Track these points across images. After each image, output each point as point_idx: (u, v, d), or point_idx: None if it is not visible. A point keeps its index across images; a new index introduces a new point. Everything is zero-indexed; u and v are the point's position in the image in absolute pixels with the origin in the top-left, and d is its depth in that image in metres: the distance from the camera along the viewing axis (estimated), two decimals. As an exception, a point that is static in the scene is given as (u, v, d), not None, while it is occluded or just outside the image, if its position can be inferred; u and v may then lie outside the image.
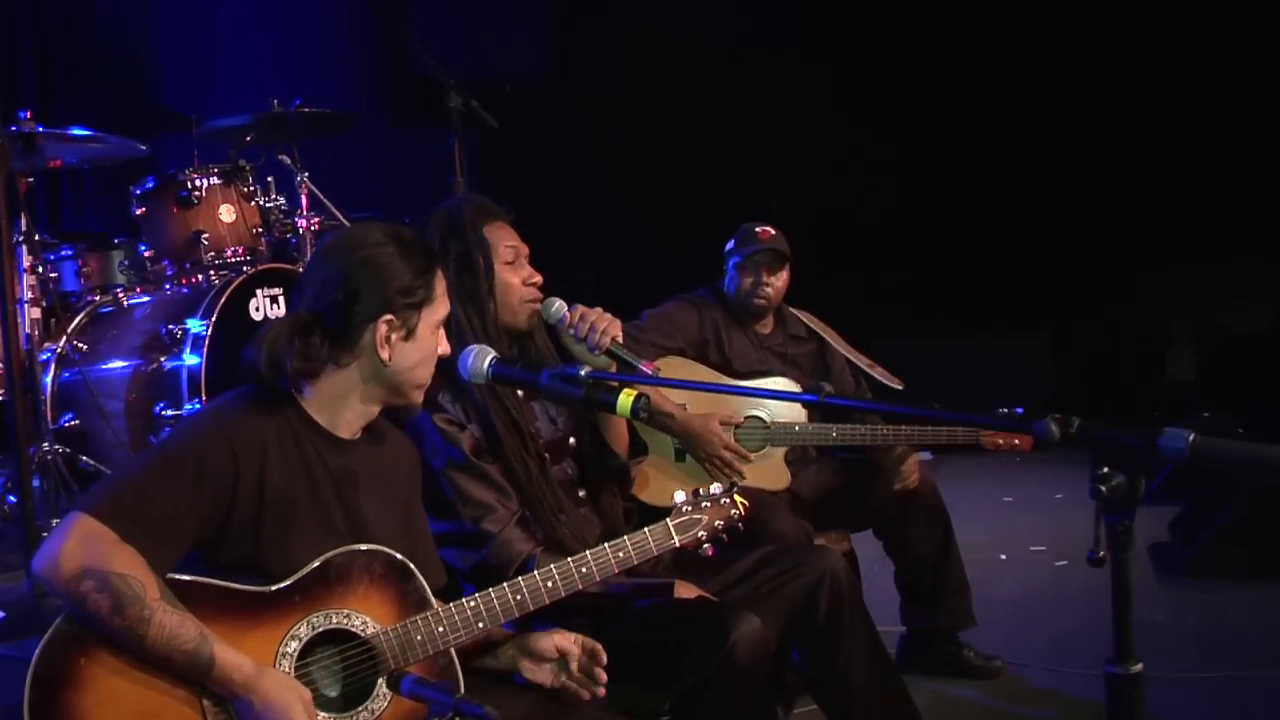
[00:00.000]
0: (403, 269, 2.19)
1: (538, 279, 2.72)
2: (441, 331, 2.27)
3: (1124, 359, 7.97)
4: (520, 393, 2.66)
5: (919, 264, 8.05)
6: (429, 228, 2.68)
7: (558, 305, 2.71)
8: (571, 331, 2.67)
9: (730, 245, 3.93)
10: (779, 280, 3.86)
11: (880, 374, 3.90)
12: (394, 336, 2.18)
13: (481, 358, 2.36)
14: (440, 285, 2.25)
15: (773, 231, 3.87)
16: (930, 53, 7.82)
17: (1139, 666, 1.65)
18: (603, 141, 7.99)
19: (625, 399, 2.21)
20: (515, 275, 2.68)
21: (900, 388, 3.87)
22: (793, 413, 3.66)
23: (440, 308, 2.25)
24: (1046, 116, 7.76)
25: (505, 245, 2.69)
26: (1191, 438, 1.59)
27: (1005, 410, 1.81)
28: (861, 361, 3.93)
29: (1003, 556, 5.17)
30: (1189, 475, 5.65)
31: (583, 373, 2.23)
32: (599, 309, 2.69)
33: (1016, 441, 3.44)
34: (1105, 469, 1.62)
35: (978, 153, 7.80)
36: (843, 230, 7.94)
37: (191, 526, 2.02)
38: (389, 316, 2.17)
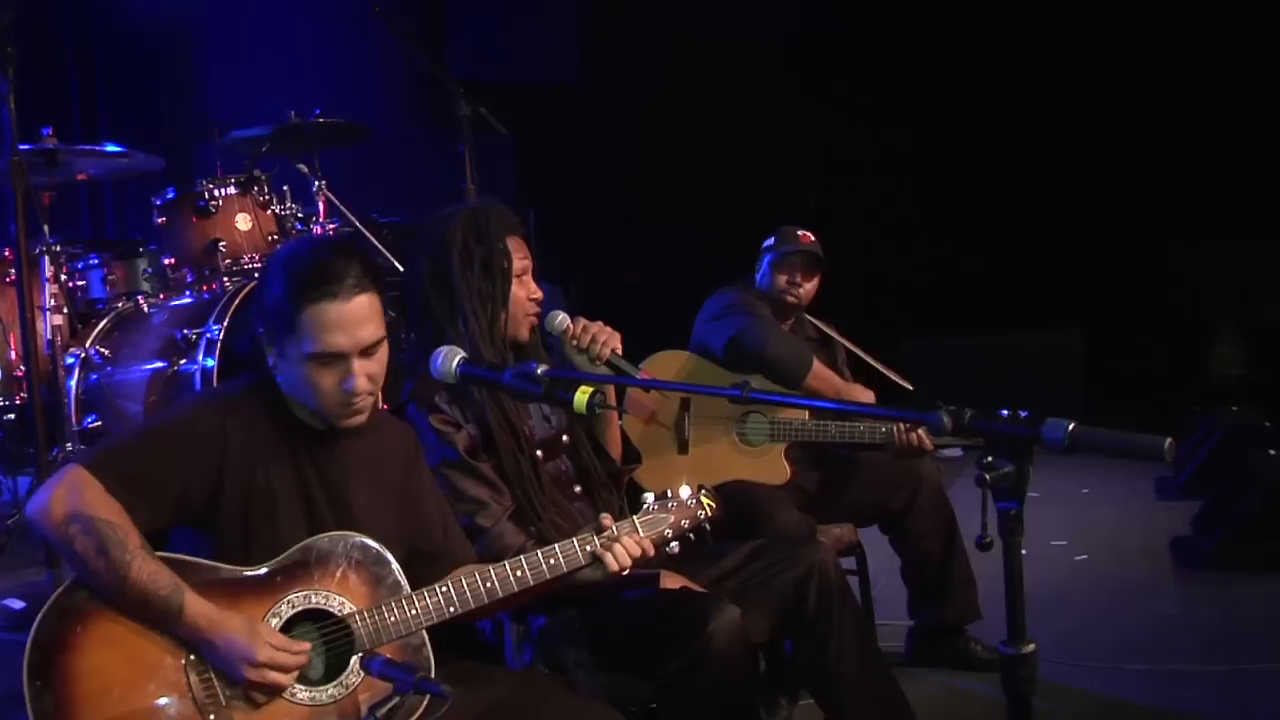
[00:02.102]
0: (278, 295, 2.17)
1: (539, 295, 2.81)
2: (327, 369, 2.15)
3: (1163, 354, 7.88)
4: None
5: (950, 261, 8.03)
6: (451, 224, 2.74)
7: (561, 318, 2.81)
8: (574, 343, 2.79)
9: (769, 242, 4.00)
10: (811, 284, 3.94)
11: (893, 376, 3.96)
12: (270, 353, 2.24)
13: (450, 358, 2.43)
14: (316, 325, 2.13)
15: (811, 237, 3.96)
16: (959, 49, 7.80)
17: (1031, 647, 1.74)
18: (643, 142, 8.05)
19: (581, 396, 2.28)
20: (522, 289, 2.77)
21: (910, 389, 3.93)
22: (793, 410, 3.71)
23: (316, 345, 2.14)
24: (1076, 108, 7.72)
25: (519, 259, 2.77)
26: (1071, 427, 1.64)
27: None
28: (875, 364, 3.98)
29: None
30: (1213, 470, 5.61)
31: (539, 370, 2.30)
32: (599, 322, 2.81)
33: None
34: (990, 458, 1.66)
35: (1008, 148, 7.77)
36: (874, 228, 7.94)
37: (176, 490, 2.13)
38: (261, 332, 2.24)
